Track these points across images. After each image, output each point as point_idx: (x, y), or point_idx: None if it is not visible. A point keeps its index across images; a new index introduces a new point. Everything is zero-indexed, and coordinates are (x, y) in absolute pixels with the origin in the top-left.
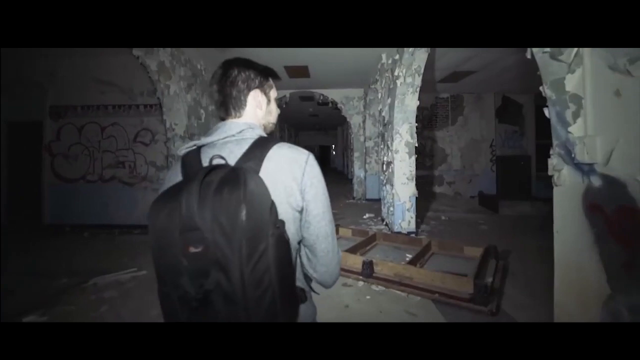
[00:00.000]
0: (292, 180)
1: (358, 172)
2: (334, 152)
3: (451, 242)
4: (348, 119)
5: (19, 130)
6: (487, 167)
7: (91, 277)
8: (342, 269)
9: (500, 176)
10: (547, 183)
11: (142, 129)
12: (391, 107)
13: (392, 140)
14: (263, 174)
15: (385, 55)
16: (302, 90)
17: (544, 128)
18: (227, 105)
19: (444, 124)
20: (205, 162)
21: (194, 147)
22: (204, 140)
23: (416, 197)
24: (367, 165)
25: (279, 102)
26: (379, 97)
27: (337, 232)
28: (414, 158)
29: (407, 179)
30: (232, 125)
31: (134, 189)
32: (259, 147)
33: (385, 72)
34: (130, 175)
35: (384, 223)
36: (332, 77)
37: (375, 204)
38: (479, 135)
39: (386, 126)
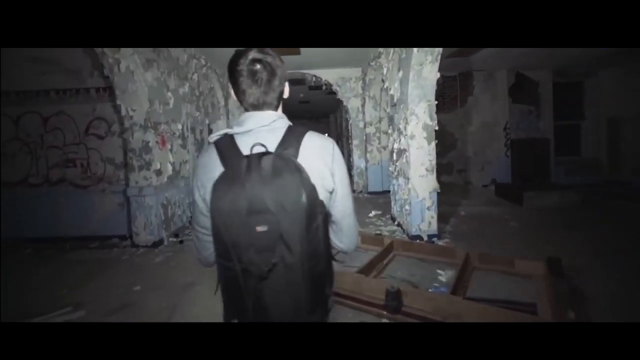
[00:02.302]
0: (324, 165)
1: (358, 162)
2: None
3: (497, 257)
4: (345, 103)
5: None
6: (500, 152)
7: None
8: (355, 299)
9: (516, 162)
10: (569, 168)
11: (95, 118)
12: (403, 81)
13: (407, 122)
14: (301, 160)
15: None
16: (291, 71)
17: (563, 107)
18: (262, 104)
19: (452, 106)
20: (243, 149)
21: (224, 135)
22: (237, 129)
23: (438, 193)
24: (368, 155)
25: None
26: (384, 72)
27: None
28: (434, 144)
29: (427, 170)
30: (265, 116)
31: (89, 193)
32: (293, 136)
33: None
34: (84, 176)
35: (396, 223)
36: (326, 55)
37: (379, 198)
38: (491, 118)
39: (396, 106)
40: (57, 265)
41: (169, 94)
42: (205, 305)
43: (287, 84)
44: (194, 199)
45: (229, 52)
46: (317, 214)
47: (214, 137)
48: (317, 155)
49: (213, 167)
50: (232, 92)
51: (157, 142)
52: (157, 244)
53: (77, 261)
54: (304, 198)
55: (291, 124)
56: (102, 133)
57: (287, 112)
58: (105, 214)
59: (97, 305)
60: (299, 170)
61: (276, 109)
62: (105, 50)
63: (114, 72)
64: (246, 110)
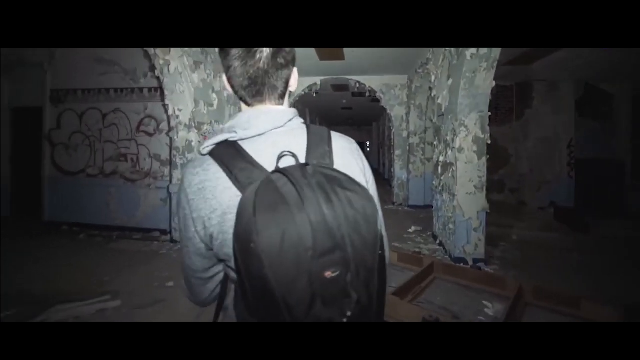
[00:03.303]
0: (360, 171)
1: (399, 173)
2: (368, 150)
3: (559, 293)
4: (388, 111)
5: (21, 116)
6: (562, 172)
7: (49, 306)
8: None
9: (581, 184)
10: None
11: (146, 116)
12: (453, 90)
13: (455, 134)
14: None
15: None
16: (335, 76)
17: None
18: (264, 88)
19: (506, 119)
20: (260, 160)
21: (223, 143)
22: (242, 132)
23: (487, 213)
24: (410, 166)
25: (309, 91)
26: (432, 80)
27: None
28: (485, 160)
29: (475, 187)
30: (278, 114)
31: (136, 187)
32: (319, 139)
33: (446, 47)
34: (133, 171)
35: (438, 242)
36: (371, 61)
37: (420, 212)
38: (552, 133)
39: (444, 116)
40: (104, 252)
41: (214, 95)
42: None
43: (296, 71)
44: (184, 236)
45: None
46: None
47: (207, 146)
48: (352, 163)
49: (218, 190)
50: (224, 80)
51: (199, 142)
52: None
53: (121, 250)
54: (375, 220)
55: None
56: (152, 131)
57: (329, 118)
58: (149, 208)
59: (132, 297)
60: (356, 184)
61: (283, 100)
62: (157, 51)
63: (164, 73)
64: (243, 101)
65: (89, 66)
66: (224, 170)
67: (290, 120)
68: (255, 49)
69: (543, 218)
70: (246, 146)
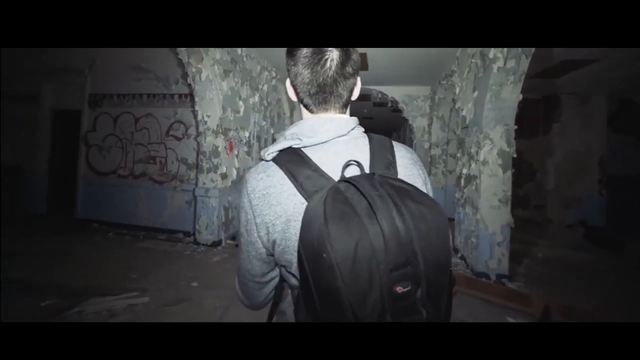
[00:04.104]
0: (422, 183)
1: None
2: None
3: (590, 313)
4: (410, 122)
5: (61, 118)
6: (593, 189)
7: (83, 299)
8: None
9: (615, 203)
10: None
11: (176, 121)
12: (478, 102)
13: (479, 147)
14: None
15: None
16: None
17: None
18: (331, 97)
19: (532, 132)
20: (325, 168)
21: (287, 149)
22: (306, 139)
23: (511, 228)
24: (432, 177)
25: None
26: (456, 92)
27: None
28: (510, 173)
29: (500, 201)
30: (341, 121)
31: (164, 188)
32: (383, 149)
33: (471, 58)
34: (161, 173)
35: (459, 255)
36: (395, 71)
37: None
38: (582, 148)
39: (468, 129)
40: (132, 251)
41: (241, 102)
42: (256, 312)
43: (359, 80)
44: (245, 239)
45: None
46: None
47: (271, 152)
48: (414, 171)
49: (282, 196)
50: (287, 85)
51: (225, 147)
52: (216, 244)
53: (147, 250)
54: (447, 236)
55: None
56: (180, 135)
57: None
58: (174, 210)
59: (159, 295)
60: (427, 197)
61: (346, 109)
62: (191, 60)
63: (196, 80)
64: (307, 108)
65: (125, 73)
66: (289, 177)
67: (353, 129)
68: (324, 55)
69: (570, 236)
70: (310, 154)
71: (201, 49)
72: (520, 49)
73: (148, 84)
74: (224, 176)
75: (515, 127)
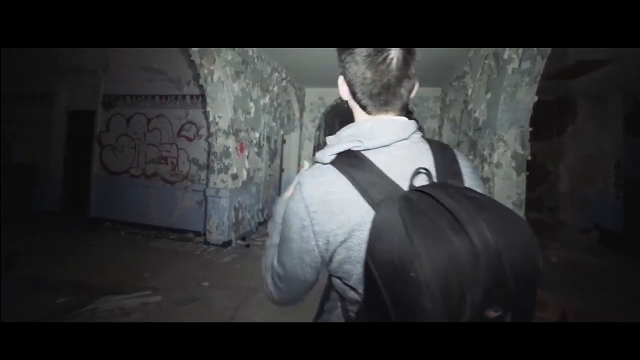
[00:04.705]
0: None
1: None
2: None
3: (604, 316)
4: (420, 123)
5: (75, 119)
6: (608, 192)
7: (97, 297)
8: None
9: (631, 206)
10: None
11: (187, 122)
12: (492, 104)
13: (492, 149)
14: None
15: None
16: None
17: None
18: (393, 98)
19: (546, 134)
20: (389, 174)
21: (346, 152)
22: (366, 142)
23: None
24: None
25: (340, 101)
26: (469, 93)
27: None
28: (524, 176)
29: (514, 204)
30: (404, 125)
31: (175, 188)
32: (445, 156)
33: (484, 60)
34: (172, 173)
35: None
36: None
37: None
38: (597, 150)
39: (481, 131)
40: (143, 250)
41: (251, 103)
42: (266, 313)
43: (417, 82)
44: (298, 246)
45: (308, 66)
46: None
47: (329, 154)
48: (477, 182)
49: (346, 204)
50: (340, 84)
51: (236, 148)
52: (226, 244)
53: (158, 249)
54: (537, 255)
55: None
56: (191, 136)
57: None
58: (185, 210)
59: (171, 294)
60: (510, 211)
61: (404, 112)
62: (203, 62)
63: (208, 82)
64: (365, 109)
65: (138, 74)
66: (352, 183)
67: (413, 132)
68: (388, 54)
69: (585, 240)
70: (372, 157)
71: (213, 50)
72: (535, 49)
73: (160, 85)
74: (235, 177)
75: (530, 129)
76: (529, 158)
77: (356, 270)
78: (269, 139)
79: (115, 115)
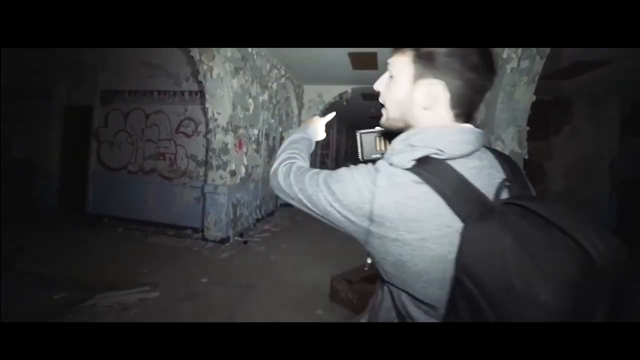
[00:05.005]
0: None
1: None
2: None
3: None
4: None
5: (73, 114)
6: (603, 192)
7: (96, 292)
8: None
9: (626, 206)
10: None
11: (186, 118)
12: (490, 103)
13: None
14: None
15: None
16: (365, 85)
17: None
18: (475, 106)
19: (543, 134)
20: (479, 186)
21: (424, 158)
22: (449, 151)
23: None
24: None
25: (339, 98)
26: None
27: None
28: None
29: None
30: (480, 135)
31: (173, 185)
32: (511, 165)
33: None
34: (170, 169)
35: None
36: None
37: None
38: (593, 151)
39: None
40: (141, 246)
41: (250, 100)
42: (264, 309)
43: None
44: (337, 209)
45: (307, 64)
46: None
47: (409, 159)
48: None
49: (424, 214)
50: (430, 83)
51: (235, 144)
52: (224, 240)
53: (156, 245)
54: (632, 276)
55: None
56: (190, 132)
57: (356, 126)
58: (183, 206)
59: (169, 290)
60: (604, 230)
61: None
62: (202, 58)
63: (207, 78)
64: (440, 115)
65: (136, 69)
66: (437, 192)
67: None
68: (493, 58)
69: None
70: (457, 168)
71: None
72: (534, 49)
73: (159, 80)
74: (233, 173)
75: (527, 128)
76: (526, 157)
77: (432, 289)
78: (267, 135)
79: (114, 111)
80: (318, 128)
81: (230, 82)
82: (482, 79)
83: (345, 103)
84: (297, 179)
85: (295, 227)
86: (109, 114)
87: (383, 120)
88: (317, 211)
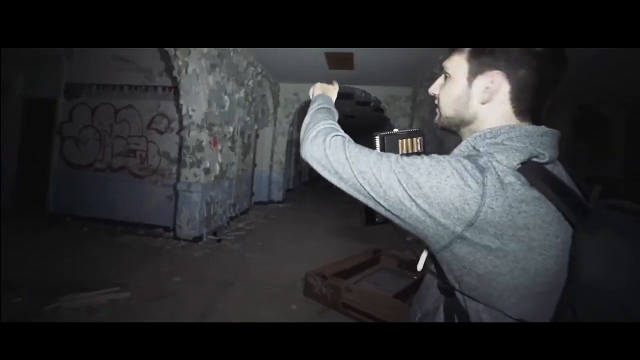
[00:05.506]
0: None
1: None
2: None
3: None
4: (392, 122)
5: (34, 107)
6: None
7: (60, 295)
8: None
9: None
10: None
11: (158, 114)
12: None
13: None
14: None
15: None
16: (342, 85)
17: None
18: (542, 102)
19: None
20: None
21: (528, 163)
22: (550, 154)
23: None
24: None
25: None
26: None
27: (378, 260)
28: None
29: None
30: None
31: (143, 183)
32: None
33: None
34: (141, 167)
35: None
36: (379, 71)
37: None
38: None
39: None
40: (110, 246)
41: (226, 97)
42: (239, 306)
43: None
44: (415, 195)
45: (284, 62)
46: None
47: (518, 160)
48: None
49: (534, 221)
50: (484, 76)
51: (209, 142)
52: (197, 239)
53: (125, 245)
54: None
55: None
56: (162, 128)
57: None
58: (154, 205)
59: (141, 290)
60: None
61: None
62: (177, 53)
63: (182, 74)
64: (521, 114)
65: (105, 62)
66: (552, 199)
67: None
68: (566, 55)
69: None
70: (555, 173)
71: None
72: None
73: (130, 74)
74: (207, 171)
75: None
76: None
77: (515, 297)
78: (242, 133)
79: (79, 105)
80: (334, 98)
81: (206, 78)
82: (549, 68)
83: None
84: (355, 157)
85: (269, 225)
86: (74, 109)
87: (436, 119)
88: (383, 202)
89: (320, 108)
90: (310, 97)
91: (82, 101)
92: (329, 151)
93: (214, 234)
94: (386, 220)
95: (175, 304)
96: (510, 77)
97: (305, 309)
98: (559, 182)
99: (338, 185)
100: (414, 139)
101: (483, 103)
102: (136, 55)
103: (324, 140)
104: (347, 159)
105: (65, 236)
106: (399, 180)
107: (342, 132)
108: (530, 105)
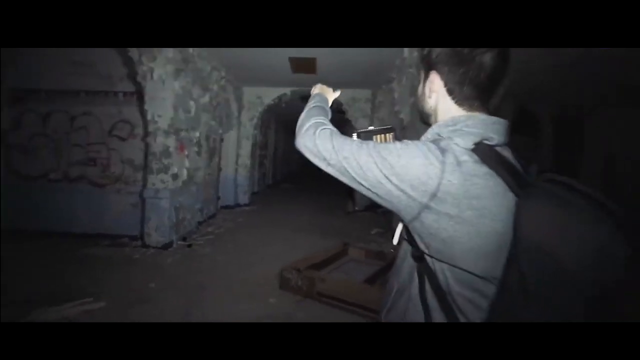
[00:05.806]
0: None
1: None
2: None
3: None
4: (353, 123)
5: None
6: None
7: (32, 308)
8: (358, 305)
9: None
10: None
11: (120, 120)
12: (414, 107)
13: None
14: None
15: (408, 50)
16: (304, 88)
17: (563, 142)
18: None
19: None
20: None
21: (480, 144)
22: (497, 138)
23: None
24: None
25: (278, 101)
26: (395, 97)
27: (346, 252)
28: None
29: None
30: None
31: (105, 192)
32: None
33: (409, 68)
34: (102, 175)
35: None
36: (341, 75)
37: (380, 216)
38: None
39: (405, 130)
40: (72, 259)
41: (192, 102)
42: (218, 308)
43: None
44: (393, 183)
45: (246, 65)
46: None
47: (471, 142)
48: None
49: (486, 192)
50: (435, 76)
51: (176, 147)
52: (167, 246)
53: (91, 257)
54: None
55: None
56: (125, 135)
57: (292, 127)
58: (118, 214)
59: (116, 298)
60: None
61: None
62: (142, 58)
63: (147, 79)
64: (468, 103)
65: (57, 66)
66: (498, 174)
67: None
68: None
69: None
70: (503, 154)
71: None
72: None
73: (86, 79)
74: (175, 177)
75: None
76: None
77: (473, 260)
78: (208, 137)
79: (27, 113)
80: (330, 101)
81: (171, 83)
82: (468, 64)
83: (284, 105)
84: (340, 146)
85: (238, 228)
86: (22, 116)
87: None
88: (363, 182)
89: (315, 106)
90: (311, 94)
91: (30, 108)
92: (318, 141)
93: (184, 239)
94: (365, 209)
95: (155, 309)
96: (442, 74)
97: (282, 301)
98: (505, 160)
99: (326, 170)
100: (387, 134)
101: (430, 98)
102: (93, 59)
103: (314, 132)
104: (333, 147)
105: (20, 252)
106: (375, 163)
107: (330, 126)
108: (464, 96)
